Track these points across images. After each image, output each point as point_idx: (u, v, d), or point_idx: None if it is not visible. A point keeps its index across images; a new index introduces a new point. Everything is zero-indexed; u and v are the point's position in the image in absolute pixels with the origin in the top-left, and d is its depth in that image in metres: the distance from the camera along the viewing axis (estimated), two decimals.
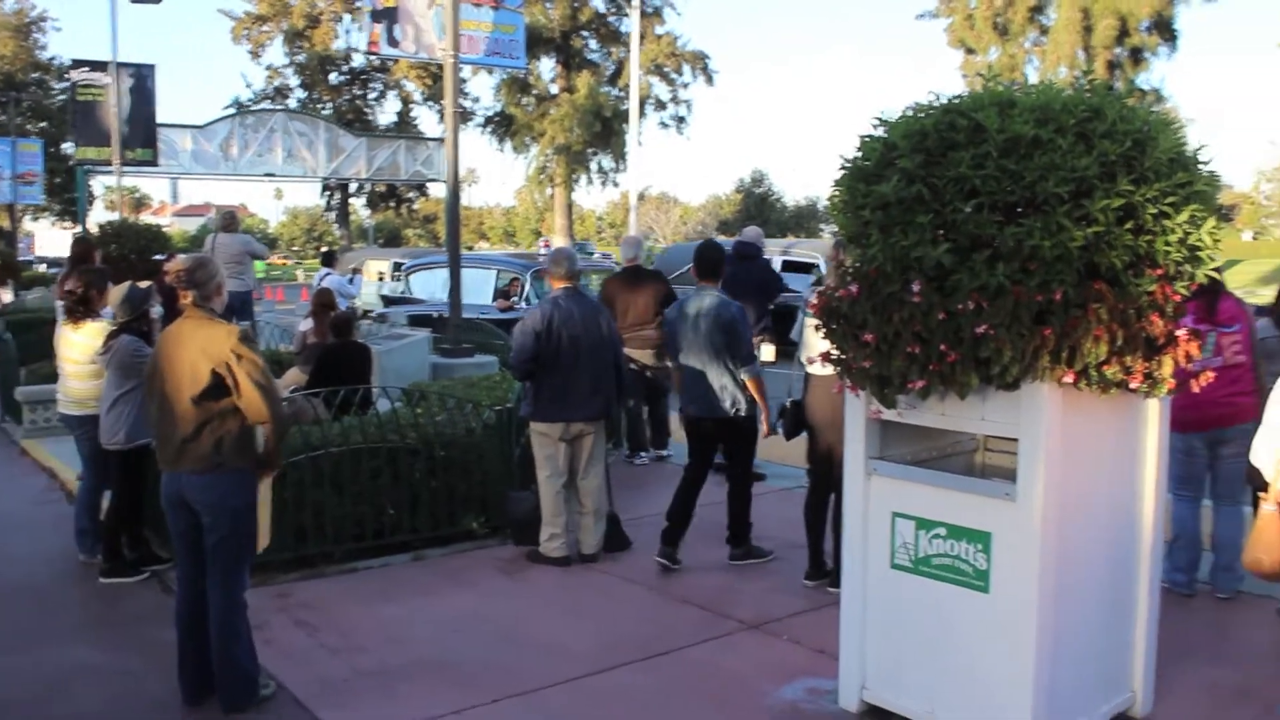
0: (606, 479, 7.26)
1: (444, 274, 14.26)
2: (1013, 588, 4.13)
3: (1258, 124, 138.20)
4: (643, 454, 10.08)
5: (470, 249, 60.50)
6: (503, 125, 50.37)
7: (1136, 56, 41.87)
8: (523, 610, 6.23)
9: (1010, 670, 4.16)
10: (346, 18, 51.10)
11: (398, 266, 26.21)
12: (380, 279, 25.06)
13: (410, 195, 59.79)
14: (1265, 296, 8.94)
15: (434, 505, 7.29)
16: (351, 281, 16.61)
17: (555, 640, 5.73)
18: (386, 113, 56.45)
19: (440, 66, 11.84)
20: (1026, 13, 42.09)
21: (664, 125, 51.37)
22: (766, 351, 8.89)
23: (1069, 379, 3.87)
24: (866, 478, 4.60)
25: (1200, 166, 4.14)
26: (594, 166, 51.28)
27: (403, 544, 7.17)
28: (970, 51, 44.99)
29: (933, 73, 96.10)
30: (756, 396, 6.86)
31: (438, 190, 54.85)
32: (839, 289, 4.33)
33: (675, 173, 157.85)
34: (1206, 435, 6.16)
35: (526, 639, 5.75)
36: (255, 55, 52.94)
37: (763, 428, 6.93)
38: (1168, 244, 4.01)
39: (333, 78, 54.16)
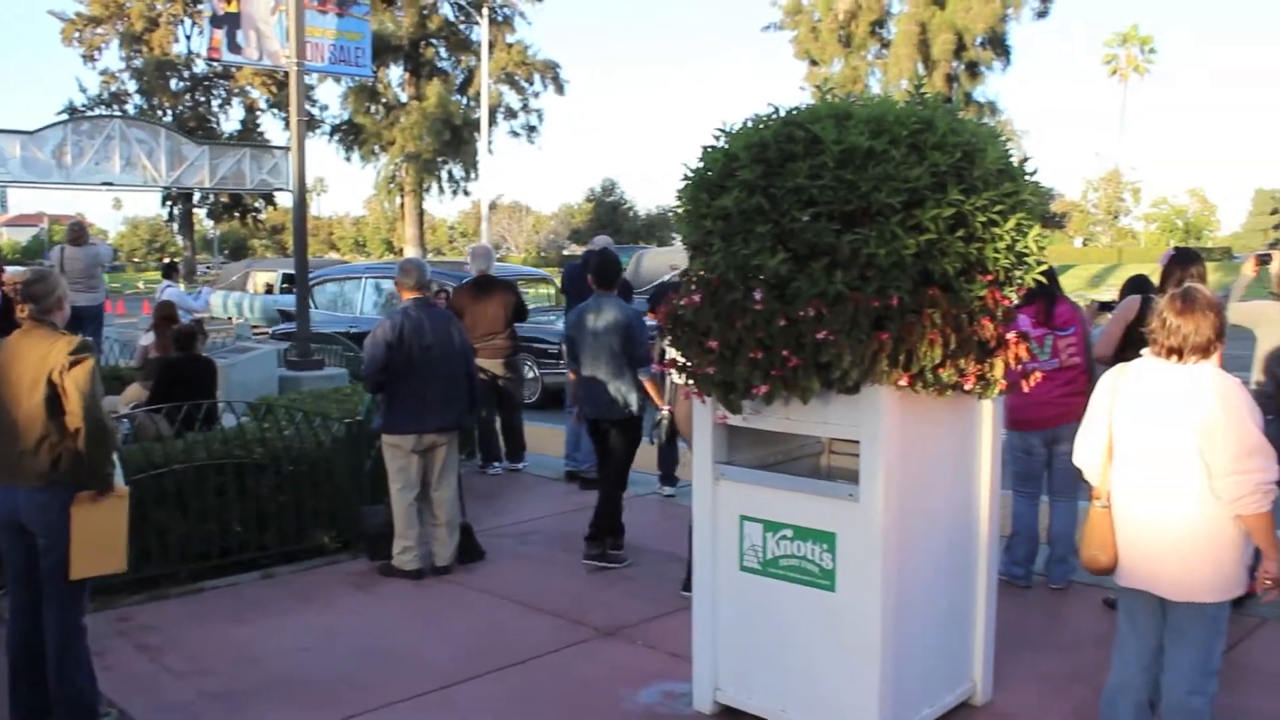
0: (459, 490, 7.22)
1: (353, 286, 13.85)
2: (857, 585, 4.25)
3: (1085, 136, 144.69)
4: (496, 465, 10.04)
5: (349, 261, 59.27)
6: (351, 134, 49.64)
7: (973, 70, 43.42)
8: (376, 625, 6.15)
9: (856, 665, 4.28)
10: (187, 21, 49.59)
11: (290, 279, 25.00)
12: (269, 291, 24.10)
13: (256, 205, 58.29)
14: (1097, 297, 9.35)
15: (283, 521, 7.14)
16: (197, 296, 16.08)
17: (410, 654, 5.67)
18: (231, 120, 54.93)
19: (285, 74, 11.59)
20: (868, 26, 43.27)
21: (515, 134, 51.34)
22: None
23: (904, 382, 4.01)
24: (714, 482, 4.67)
25: (1026, 177, 4.33)
26: (445, 175, 50.99)
27: (251, 562, 7.00)
28: (815, 63, 46.02)
29: (780, 83, 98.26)
30: (654, 397, 6.97)
31: (285, 200, 53.50)
32: (684, 297, 4.40)
33: (527, 181, 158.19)
34: (1043, 434, 6.43)
35: (380, 654, 5.68)
36: (89, 59, 50.84)
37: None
38: (996, 251, 4.18)
39: (173, 84, 52.43)
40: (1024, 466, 6.60)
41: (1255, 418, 3.69)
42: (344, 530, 7.40)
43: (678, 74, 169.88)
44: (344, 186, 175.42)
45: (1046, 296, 6.38)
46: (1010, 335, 4.28)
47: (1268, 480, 3.63)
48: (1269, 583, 3.75)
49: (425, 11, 47.19)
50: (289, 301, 20.36)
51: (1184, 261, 6.04)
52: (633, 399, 7.17)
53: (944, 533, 4.63)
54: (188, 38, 50.62)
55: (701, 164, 4.40)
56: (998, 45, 43.00)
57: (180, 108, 52.51)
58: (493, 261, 10.17)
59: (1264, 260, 6.33)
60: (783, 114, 4.35)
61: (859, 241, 3.94)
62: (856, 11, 42.03)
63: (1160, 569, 3.77)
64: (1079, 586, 6.46)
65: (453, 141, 48.09)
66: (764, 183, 4.10)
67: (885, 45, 44.06)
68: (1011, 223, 4.17)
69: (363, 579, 6.96)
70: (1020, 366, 4.38)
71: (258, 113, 54.15)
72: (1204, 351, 3.72)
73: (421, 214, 53.03)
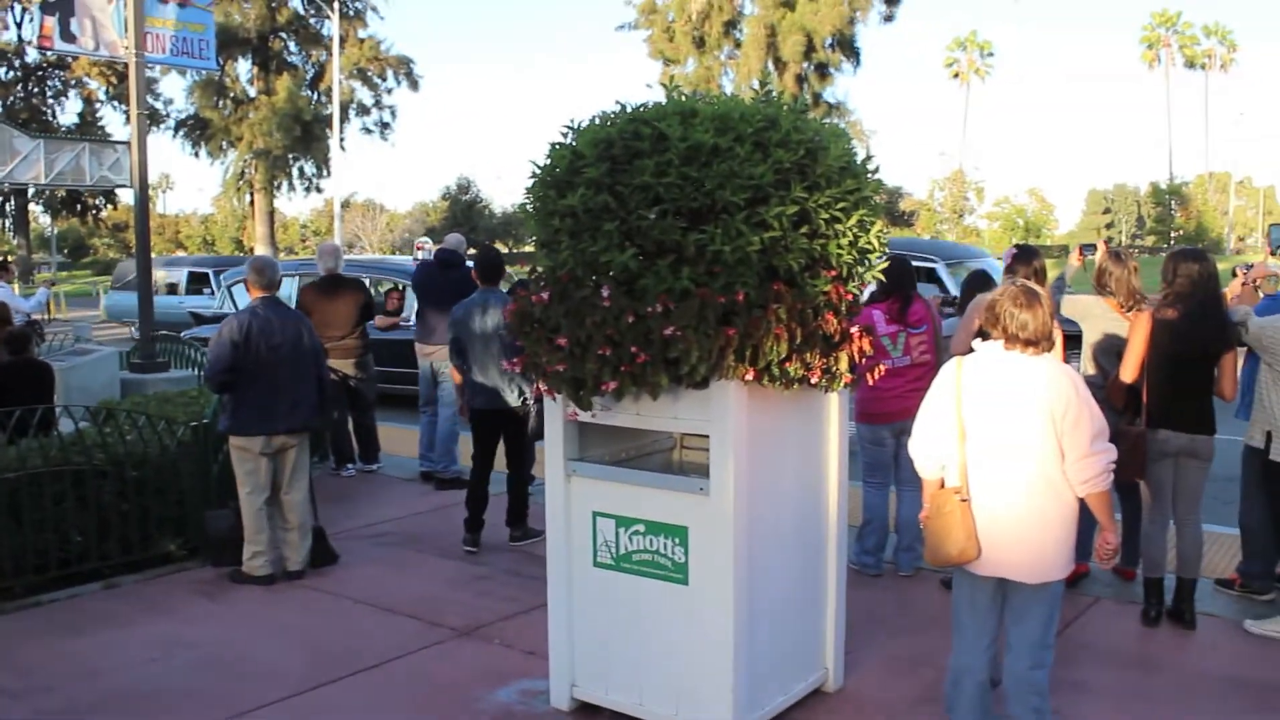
0: (311, 493, 7.09)
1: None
2: (710, 578, 4.30)
3: (932, 137, 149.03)
4: (349, 466, 9.88)
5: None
6: (197, 129, 48.23)
7: (822, 71, 44.28)
8: (226, 633, 5.99)
9: (711, 657, 4.33)
10: (17, 6, 47.40)
11: (197, 279, 23.69)
12: (172, 291, 23.04)
13: (97, 202, 56.16)
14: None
15: (126, 529, 6.89)
16: (32, 296, 15.41)
17: (261, 662, 5.54)
18: (68, 113, 52.92)
19: (125, 65, 11.17)
20: (721, 27, 43.77)
21: (368, 131, 50.58)
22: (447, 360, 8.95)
23: (751, 376, 4.08)
24: (566, 479, 4.68)
25: (868, 174, 4.44)
26: (296, 172, 49.88)
27: (93, 572, 6.74)
28: (670, 62, 46.37)
29: (635, 82, 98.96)
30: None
31: (128, 196, 51.77)
32: (533, 294, 4.40)
33: (381, 179, 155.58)
34: (892, 427, 6.61)
35: (231, 663, 5.53)
36: None
37: None
38: (840, 247, 4.29)
39: (3, 73, 50.14)
40: (874, 458, 6.78)
41: (1095, 404, 3.91)
42: (191, 536, 7.18)
43: (534, 71, 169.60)
44: (191, 183, 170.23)
45: (902, 294, 6.57)
46: (854, 330, 4.39)
47: (1112, 460, 3.89)
48: (1110, 550, 4.04)
49: (274, 4, 46.10)
50: (201, 303, 19.55)
51: (1026, 258, 6.28)
52: (527, 387, 7.32)
53: (793, 524, 4.72)
54: (18, 24, 48.32)
55: (549, 161, 4.41)
56: (846, 47, 43.94)
57: (11, 99, 50.24)
58: (341, 260, 9.99)
59: (1087, 250, 6.62)
60: (630, 111, 4.39)
61: (705, 238, 4.00)
62: (709, 12, 42.47)
63: (1016, 555, 3.92)
64: (926, 573, 6.66)
65: (304, 138, 47.12)
66: (610, 180, 4.13)
67: (738, 46, 44.66)
68: (854, 219, 4.28)
69: (211, 587, 6.77)
70: (864, 360, 4.49)
71: (96, 105, 52.22)
72: (1049, 342, 3.91)
73: (272, 212, 51.83)
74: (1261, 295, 6.60)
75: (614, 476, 4.59)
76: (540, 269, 4.51)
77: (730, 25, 44.03)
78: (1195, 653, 5.53)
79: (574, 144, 4.35)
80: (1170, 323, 5.76)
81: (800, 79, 42.96)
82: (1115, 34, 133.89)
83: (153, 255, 13.50)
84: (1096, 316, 6.33)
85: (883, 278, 4.90)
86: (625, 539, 4.52)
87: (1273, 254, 6.51)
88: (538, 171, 4.43)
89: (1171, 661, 5.42)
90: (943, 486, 4.04)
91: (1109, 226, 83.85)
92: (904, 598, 6.44)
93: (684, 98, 4.41)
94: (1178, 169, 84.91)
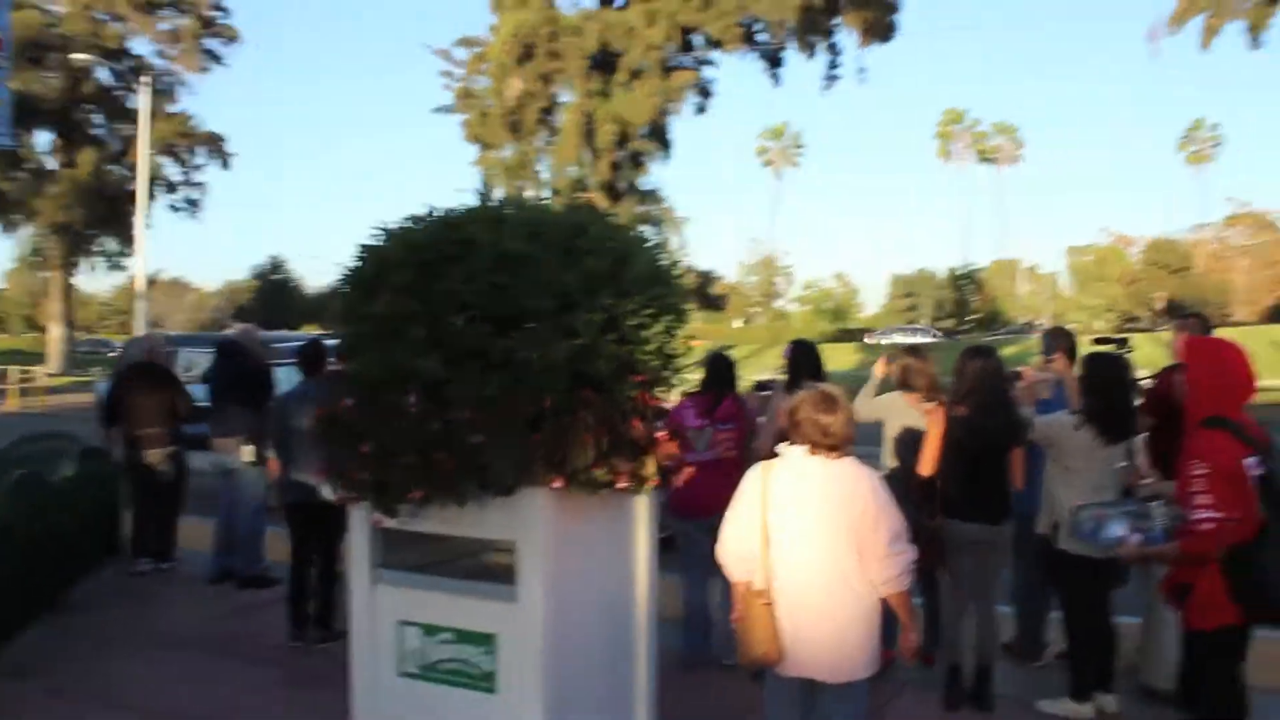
0: None
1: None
2: (518, 686, 4.25)
3: (745, 223, 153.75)
4: (143, 562, 9.37)
5: None
6: None
7: (636, 160, 45.07)
8: None
9: None
10: None
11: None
12: None
13: None
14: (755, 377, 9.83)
15: None
16: None
17: None
18: None
19: None
20: (537, 113, 44.17)
21: (176, 208, 49.07)
22: (245, 452, 8.67)
23: (559, 484, 4.08)
24: (372, 586, 4.57)
25: (674, 281, 4.54)
26: (98, 249, 47.97)
27: None
28: (487, 147, 46.54)
29: (452, 163, 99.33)
30: None
31: None
32: (338, 400, 4.33)
33: (189, 257, 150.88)
34: (704, 522, 6.66)
35: None
36: None
37: None
38: (646, 353, 4.35)
39: None
40: (689, 550, 6.82)
41: (894, 506, 4.04)
42: None
43: (351, 151, 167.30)
44: None
45: (718, 390, 6.70)
46: (660, 434, 4.44)
47: (911, 560, 4.01)
48: (911, 650, 4.14)
49: (78, 75, 44.55)
50: None
51: (806, 352, 6.61)
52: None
53: (602, 626, 4.70)
54: None
55: (359, 264, 4.36)
56: (660, 136, 44.93)
57: None
58: (160, 347, 9.68)
59: (893, 359, 6.89)
60: (440, 216, 4.38)
61: (513, 346, 4.00)
62: (526, 100, 42.91)
63: (820, 656, 3.99)
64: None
65: (108, 214, 45.43)
66: (418, 285, 4.11)
67: (554, 133, 45.19)
68: (661, 326, 4.35)
69: None
70: (671, 463, 4.54)
71: None
72: (850, 444, 4.03)
73: (70, 289, 49.65)
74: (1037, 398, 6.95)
75: (421, 584, 4.51)
76: (348, 372, 4.43)
77: (546, 112, 44.56)
78: None
79: (383, 247, 4.32)
80: (962, 418, 6.01)
81: (615, 166, 43.68)
82: (915, 128, 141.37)
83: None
84: (900, 411, 6.56)
85: (688, 379, 4.98)
86: (432, 647, 4.43)
87: (1048, 361, 6.89)
88: (347, 274, 4.38)
89: None
90: (749, 589, 4.10)
91: (911, 309, 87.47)
92: (723, 690, 6.44)
93: (493, 204, 4.44)
94: (974, 255, 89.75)
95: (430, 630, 4.43)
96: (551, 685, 4.24)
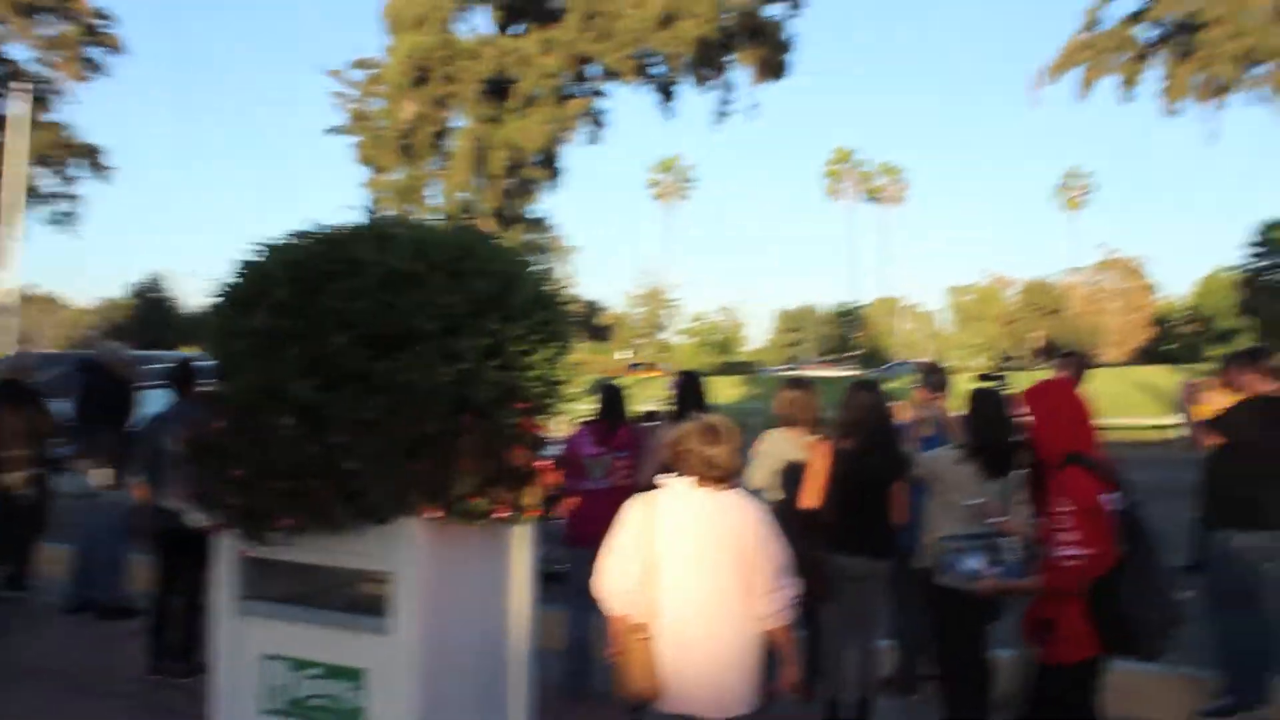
0: None
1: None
2: None
3: (634, 253, 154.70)
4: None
5: None
6: None
7: (527, 187, 44.95)
8: None
9: None
10: None
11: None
12: None
13: None
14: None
15: None
16: None
17: None
18: None
19: None
20: (429, 138, 43.79)
21: (51, 221, 47.42)
22: (103, 475, 8.33)
23: (438, 514, 3.95)
24: (236, 619, 4.37)
25: (560, 307, 4.46)
26: None
27: None
28: (379, 169, 45.96)
29: (343, 185, 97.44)
30: None
31: None
32: (209, 422, 4.15)
33: (64, 273, 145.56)
34: (593, 550, 6.56)
35: None
36: None
37: None
38: (530, 379, 4.25)
39: None
40: (577, 580, 6.71)
41: (780, 539, 4.00)
42: None
43: (240, 170, 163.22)
44: None
45: (612, 418, 6.63)
46: (542, 464, 4.34)
47: (795, 594, 4.00)
48: (791, 684, 4.14)
49: None
50: None
51: (692, 383, 6.59)
52: None
53: (477, 659, 4.56)
54: None
55: (238, 279, 4.20)
56: (551, 164, 44.88)
57: None
58: (31, 364, 9.33)
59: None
60: (324, 233, 4.25)
61: (395, 368, 3.88)
62: (419, 123, 42.49)
63: (705, 690, 3.93)
64: None
65: None
66: (298, 302, 3.96)
67: (447, 157, 44.81)
68: (546, 352, 4.27)
69: None
70: (555, 493, 4.45)
71: None
72: (737, 476, 3.98)
73: None
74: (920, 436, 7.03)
75: (288, 616, 4.31)
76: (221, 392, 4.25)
77: (438, 136, 44.20)
78: None
79: (263, 262, 4.16)
80: (846, 451, 6.03)
81: (506, 193, 43.47)
82: (805, 165, 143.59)
83: None
84: (782, 443, 6.56)
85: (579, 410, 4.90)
86: (299, 682, 4.24)
87: (929, 398, 6.98)
88: (224, 290, 4.21)
89: None
90: (629, 623, 4.02)
91: (795, 344, 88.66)
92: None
93: (380, 221, 4.32)
94: (859, 293, 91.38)
95: (298, 665, 4.25)
96: None
